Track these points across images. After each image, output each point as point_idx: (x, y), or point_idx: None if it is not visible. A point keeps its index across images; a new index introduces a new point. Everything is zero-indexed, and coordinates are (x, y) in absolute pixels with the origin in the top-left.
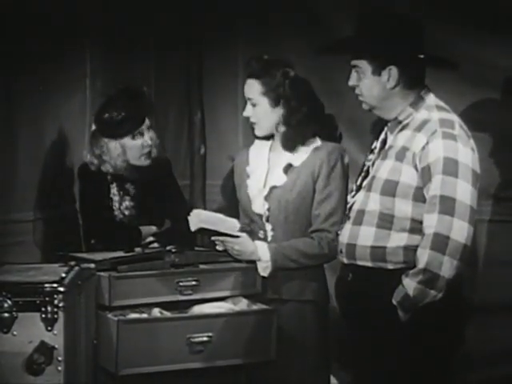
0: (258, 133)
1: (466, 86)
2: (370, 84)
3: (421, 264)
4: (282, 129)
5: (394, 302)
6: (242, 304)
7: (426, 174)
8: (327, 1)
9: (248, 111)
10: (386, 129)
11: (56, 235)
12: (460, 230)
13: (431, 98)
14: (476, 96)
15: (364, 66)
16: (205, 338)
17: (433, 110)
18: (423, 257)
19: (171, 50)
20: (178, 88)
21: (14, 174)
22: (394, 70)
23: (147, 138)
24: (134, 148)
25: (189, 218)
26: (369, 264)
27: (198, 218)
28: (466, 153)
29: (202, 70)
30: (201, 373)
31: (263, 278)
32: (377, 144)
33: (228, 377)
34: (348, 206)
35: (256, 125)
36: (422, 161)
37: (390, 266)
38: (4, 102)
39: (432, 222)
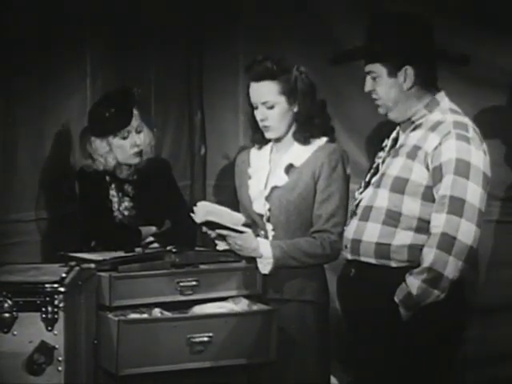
0: (272, 135)
1: (471, 87)
2: (387, 86)
3: (426, 263)
4: (296, 124)
5: (396, 299)
6: (243, 304)
7: (437, 174)
8: (327, 1)
9: (263, 115)
10: (398, 128)
11: (56, 235)
12: (467, 232)
13: (446, 102)
14: (483, 97)
15: (379, 69)
16: (205, 339)
17: (446, 112)
18: (429, 256)
19: (171, 50)
20: (178, 88)
21: (14, 173)
22: (409, 70)
23: (136, 138)
24: (121, 147)
25: (195, 209)
26: (372, 261)
27: (205, 210)
28: (479, 156)
29: (202, 70)
30: (201, 373)
31: (263, 275)
32: (388, 142)
33: (228, 377)
34: (355, 202)
35: (271, 127)
36: (434, 160)
37: (394, 264)
38: (4, 102)
39: (440, 221)
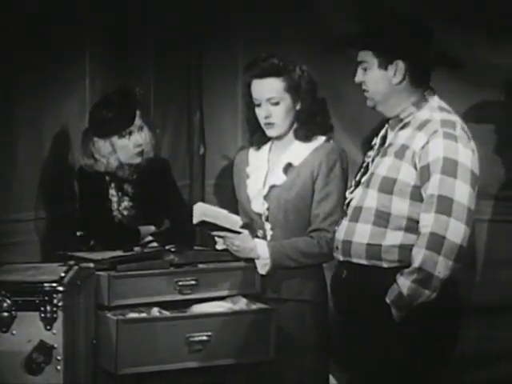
0: (274, 133)
1: (466, 86)
2: (376, 78)
3: (416, 263)
4: (298, 123)
5: (388, 300)
6: (241, 303)
7: (424, 173)
8: (327, 1)
9: (267, 111)
10: (386, 126)
11: (55, 235)
12: (456, 231)
13: (435, 100)
14: (476, 96)
15: (370, 59)
16: (204, 338)
17: (435, 110)
18: (418, 256)
19: (171, 50)
20: (178, 88)
21: (14, 173)
22: (400, 65)
23: (138, 137)
24: (124, 147)
25: (193, 209)
26: (364, 262)
27: (201, 211)
28: (466, 154)
29: (201, 70)
30: (200, 372)
31: (262, 276)
32: (377, 140)
33: (227, 376)
34: (346, 202)
35: (274, 125)
36: (421, 160)
37: (385, 265)
38: (4, 102)
39: (428, 221)
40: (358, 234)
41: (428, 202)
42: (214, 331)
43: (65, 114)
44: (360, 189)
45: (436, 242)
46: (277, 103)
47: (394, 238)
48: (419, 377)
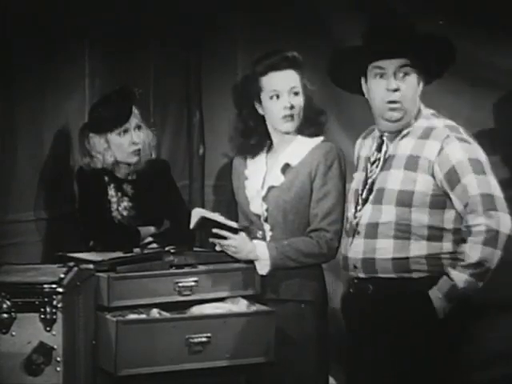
0: (293, 126)
1: (466, 86)
2: (413, 89)
3: (473, 258)
4: (303, 119)
5: (439, 293)
6: (241, 305)
7: (452, 178)
8: (328, 1)
9: (290, 102)
10: (376, 136)
11: (55, 236)
12: (505, 222)
13: (424, 108)
14: (475, 96)
15: (411, 72)
16: (204, 339)
17: (430, 118)
18: (475, 252)
19: (171, 50)
20: (177, 88)
21: (14, 174)
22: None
23: (134, 136)
24: (119, 145)
25: (191, 216)
26: (393, 275)
27: (199, 216)
28: (481, 151)
29: (201, 70)
30: (200, 373)
31: (262, 277)
32: (369, 153)
33: (227, 377)
34: (355, 221)
35: (295, 116)
36: (442, 166)
37: (415, 275)
38: (4, 102)
39: (479, 220)
40: (380, 249)
41: (472, 202)
42: (214, 332)
43: (65, 114)
44: (369, 206)
45: (492, 238)
46: (297, 93)
47: (418, 248)
48: (424, 376)
